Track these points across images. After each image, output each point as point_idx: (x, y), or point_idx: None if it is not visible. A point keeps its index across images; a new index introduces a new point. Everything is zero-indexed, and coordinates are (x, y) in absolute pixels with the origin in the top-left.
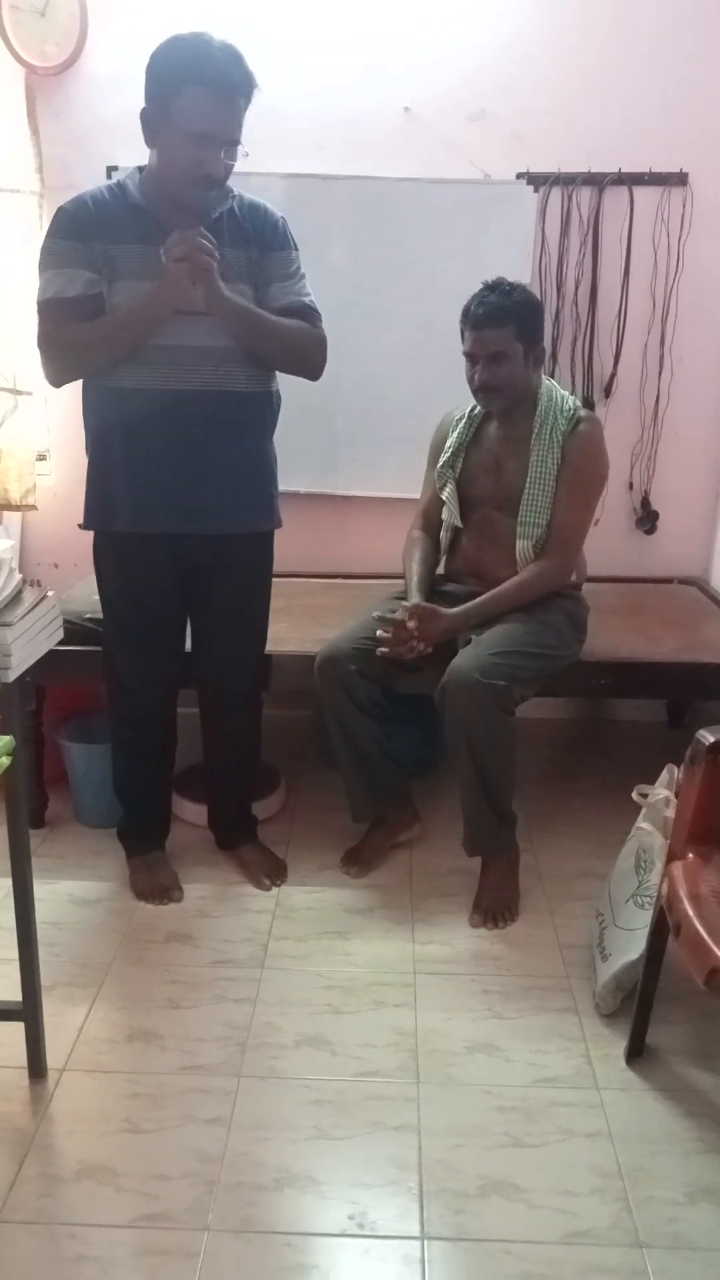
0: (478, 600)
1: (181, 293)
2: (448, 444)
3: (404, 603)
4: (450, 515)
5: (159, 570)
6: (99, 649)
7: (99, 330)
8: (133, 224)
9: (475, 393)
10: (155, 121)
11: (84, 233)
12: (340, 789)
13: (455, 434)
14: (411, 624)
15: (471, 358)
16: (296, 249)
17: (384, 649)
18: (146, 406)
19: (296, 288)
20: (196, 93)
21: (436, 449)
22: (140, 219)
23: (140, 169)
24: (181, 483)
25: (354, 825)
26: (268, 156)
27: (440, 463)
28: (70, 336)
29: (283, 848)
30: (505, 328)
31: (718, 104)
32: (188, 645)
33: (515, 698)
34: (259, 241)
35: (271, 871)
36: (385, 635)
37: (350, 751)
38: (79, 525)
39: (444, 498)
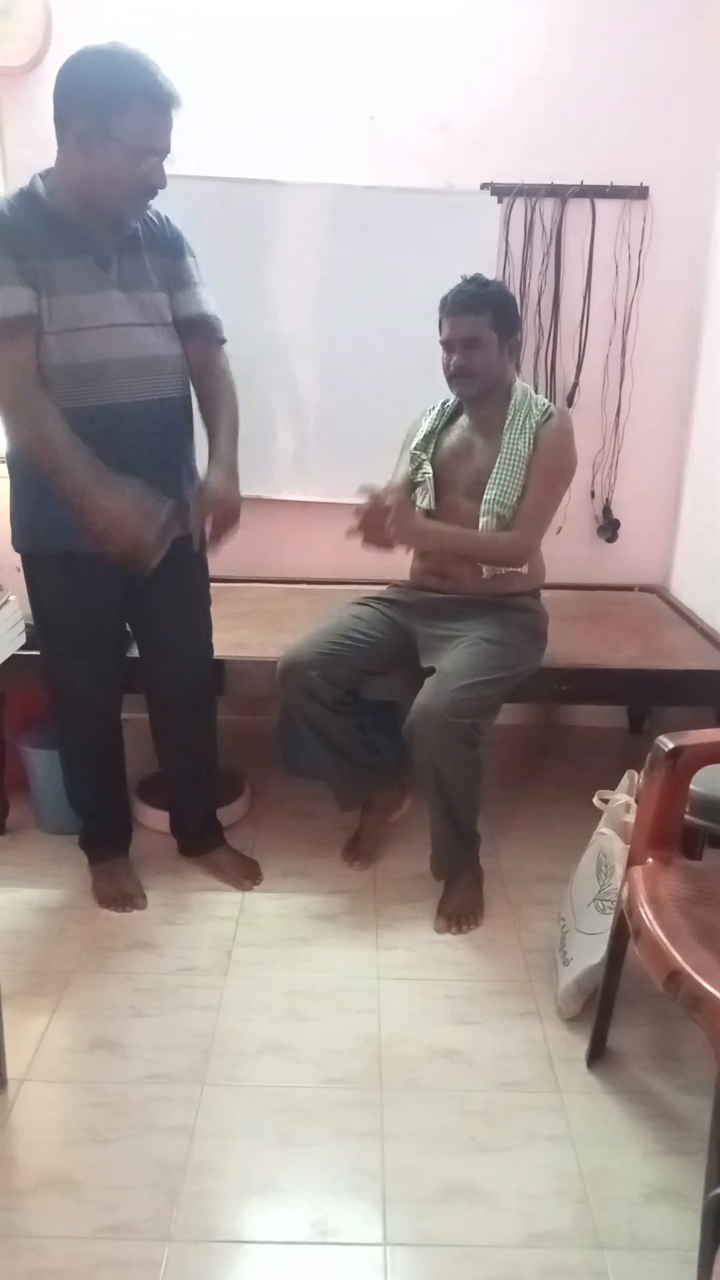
0: (448, 529)
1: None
2: (420, 429)
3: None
4: (424, 497)
5: (105, 581)
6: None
7: (52, 451)
8: (58, 238)
9: (450, 379)
10: (90, 136)
11: (15, 248)
12: (305, 794)
13: (428, 420)
14: (391, 500)
15: (448, 345)
16: (194, 255)
17: (355, 521)
18: (100, 424)
19: (201, 296)
20: (143, 108)
21: (410, 436)
22: (63, 232)
23: (42, 177)
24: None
25: (323, 827)
26: (232, 163)
27: (413, 445)
28: (21, 399)
29: (247, 854)
30: (481, 315)
31: (678, 119)
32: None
33: (481, 731)
34: (171, 248)
35: (249, 873)
36: (362, 504)
37: (324, 747)
38: (18, 549)
39: (419, 479)
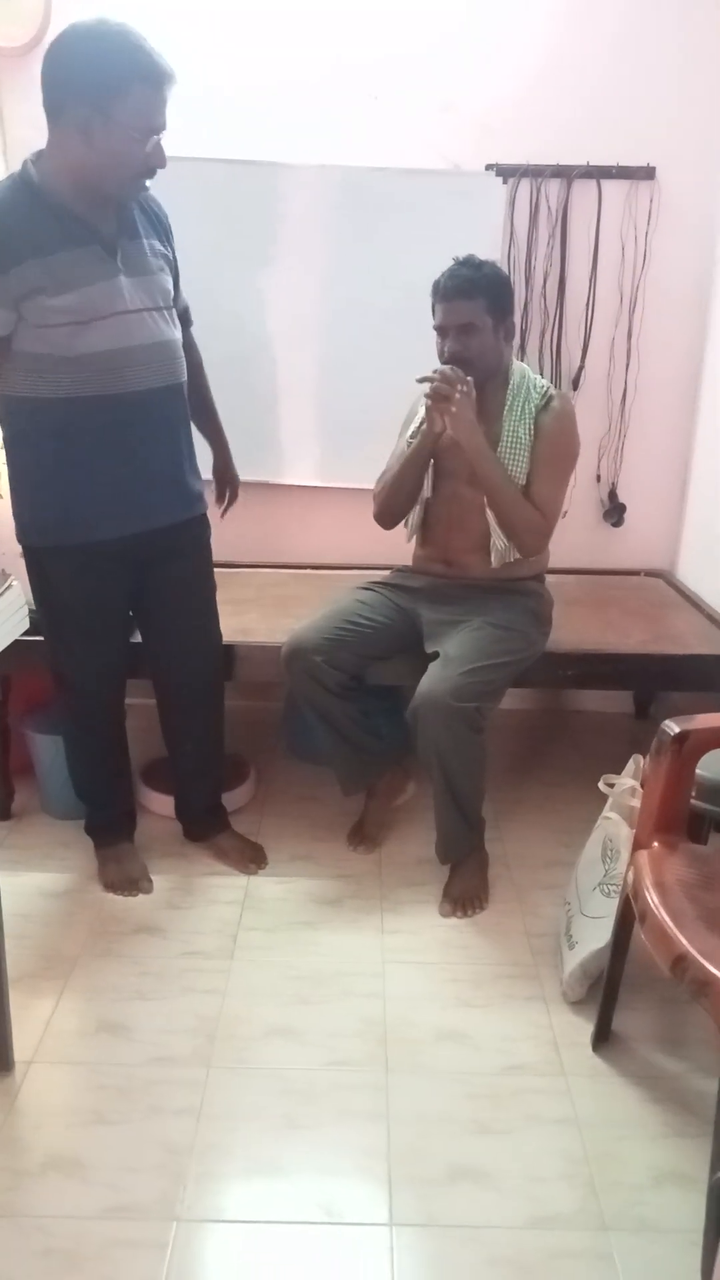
0: (495, 458)
1: None
2: (418, 414)
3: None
4: (424, 485)
5: (115, 571)
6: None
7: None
8: (61, 228)
9: (445, 365)
10: (90, 122)
11: (5, 259)
12: (310, 779)
13: (425, 405)
14: (465, 385)
15: (442, 330)
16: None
17: (433, 377)
18: (117, 412)
19: (181, 289)
20: (143, 90)
21: (408, 420)
22: (65, 221)
23: (33, 162)
24: (145, 483)
25: (328, 812)
26: (236, 145)
27: (410, 432)
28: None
29: (252, 839)
30: (474, 300)
31: (685, 99)
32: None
33: (485, 715)
34: (165, 232)
35: (254, 857)
36: (443, 368)
37: (328, 732)
38: (24, 544)
39: None
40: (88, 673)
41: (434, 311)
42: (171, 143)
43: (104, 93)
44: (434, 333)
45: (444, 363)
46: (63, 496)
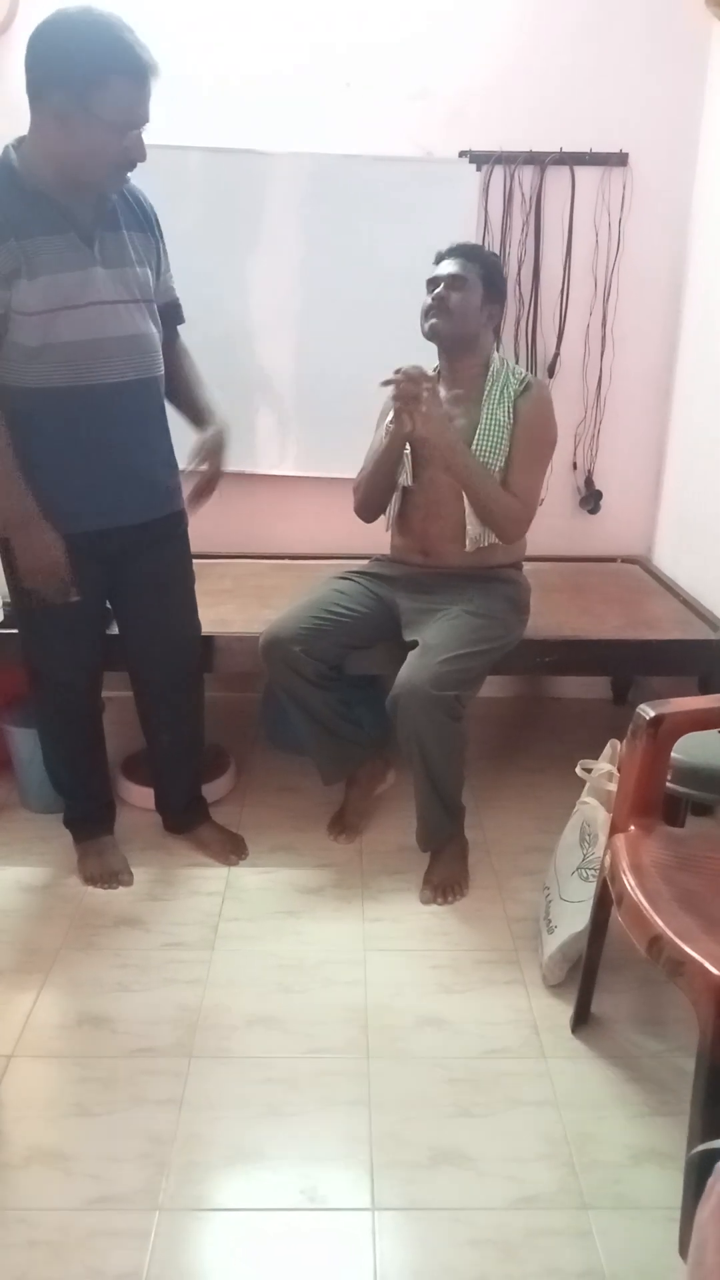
0: (468, 451)
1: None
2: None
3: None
4: (402, 473)
5: (89, 563)
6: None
7: None
8: (38, 214)
9: (425, 313)
10: (69, 112)
11: None
12: (291, 769)
13: (395, 405)
14: (429, 382)
15: (433, 281)
16: (163, 236)
17: (397, 377)
18: (87, 404)
19: (172, 283)
20: (122, 83)
21: (386, 409)
22: (43, 208)
23: (15, 147)
24: (116, 478)
25: (308, 802)
26: (208, 132)
27: (389, 419)
28: None
29: (233, 829)
30: (472, 263)
31: (657, 86)
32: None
33: (464, 703)
34: (149, 226)
35: (235, 848)
36: (405, 368)
37: (307, 721)
38: None
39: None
40: (63, 665)
41: (431, 274)
42: (145, 131)
43: (81, 84)
44: (416, 319)
45: (425, 310)
46: (33, 487)
